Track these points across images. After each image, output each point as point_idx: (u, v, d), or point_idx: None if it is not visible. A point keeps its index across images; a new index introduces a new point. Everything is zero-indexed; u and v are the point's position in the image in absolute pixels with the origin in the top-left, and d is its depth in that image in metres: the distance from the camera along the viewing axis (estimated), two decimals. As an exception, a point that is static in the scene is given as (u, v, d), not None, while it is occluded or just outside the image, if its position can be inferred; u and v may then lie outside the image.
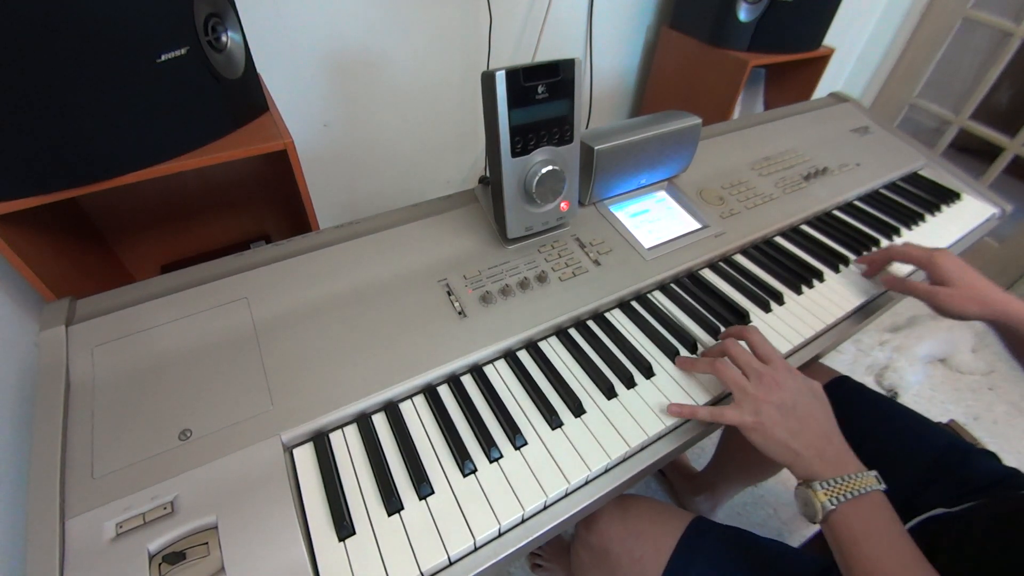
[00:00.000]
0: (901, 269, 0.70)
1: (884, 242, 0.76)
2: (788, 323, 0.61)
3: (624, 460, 0.48)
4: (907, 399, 1.39)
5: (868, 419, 0.65)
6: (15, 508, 0.51)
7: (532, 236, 0.63)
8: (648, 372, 0.53)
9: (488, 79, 0.50)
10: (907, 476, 0.59)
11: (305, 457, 0.44)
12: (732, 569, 0.52)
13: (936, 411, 1.37)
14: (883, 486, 0.42)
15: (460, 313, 0.55)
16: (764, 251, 0.71)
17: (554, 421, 0.48)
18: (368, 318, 0.53)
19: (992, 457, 0.60)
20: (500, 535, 0.42)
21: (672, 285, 0.64)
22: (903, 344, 1.48)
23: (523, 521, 0.43)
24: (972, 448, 0.61)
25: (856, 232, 0.76)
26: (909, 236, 0.78)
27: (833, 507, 0.41)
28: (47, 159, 0.54)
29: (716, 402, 0.52)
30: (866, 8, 1.75)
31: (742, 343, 0.52)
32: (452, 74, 1.23)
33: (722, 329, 0.59)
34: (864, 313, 0.66)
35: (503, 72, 0.48)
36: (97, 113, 0.54)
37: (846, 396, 0.69)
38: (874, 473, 0.43)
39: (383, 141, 1.25)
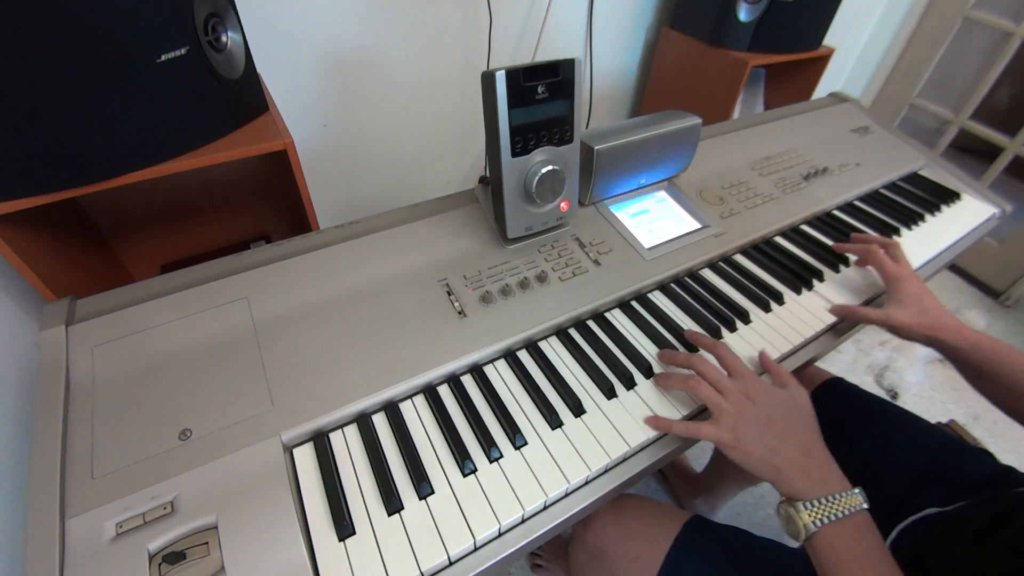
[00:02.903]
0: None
1: (884, 242, 0.76)
2: (788, 323, 0.61)
3: (624, 460, 0.48)
4: (907, 399, 1.39)
5: (862, 421, 0.65)
6: (15, 508, 0.51)
7: (532, 236, 0.63)
8: (648, 372, 0.53)
9: (488, 79, 0.50)
10: (901, 476, 0.59)
11: (305, 457, 0.44)
12: (728, 569, 0.52)
13: (936, 411, 1.37)
14: (867, 505, 0.42)
15: (460, 313, 0.55)
16: (764, 251, 0.71)
17: (554, 421, 0.48)
18: (368, 318, 0.53)
19: (987, 455, 0.60)
20: (500, 535, 0.42)
21: (672, 285, 0.64)
22: (903, 344, 1.48)
23: (523, 521, 0.43)
24: (967, 447, 0.61)
25: (856, 232, 0.76)
26: (909, 236, 0.78)
27: (816, 529, 0.40)
28: (47, 159, 0.54)
29: (699, 413, 0.51)
30: (866, 8, 1.75)
31: (711, 359, 0.51)
32: (452, 74, 1.23)
33: (722, 329, 0.59)
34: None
35: (503, 72, 0.48)
36: (97, 113, 0.54)
37: (840, 398, 0.69)
38: (858, 491, 0.42)
39: (383, 141, 1.25)
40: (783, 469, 0.43)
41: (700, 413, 0.51)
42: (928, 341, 0.57)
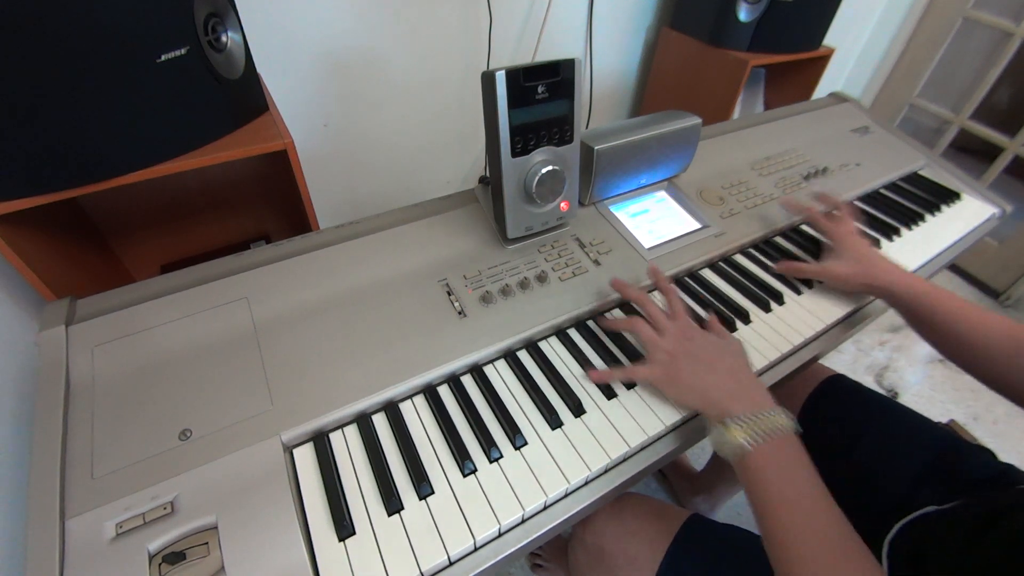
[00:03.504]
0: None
1: (884, 242, 0.76)
2: (789, 323, 0.61)
3: (624, 460, 0.48)
4: (907, 399, 1.39)
5: (863, 417, 0.65)
6: (15, 508, 0.51)
7: (532, 236, 0.63)
8: (648, 372, 0.53)
9: (488, 79, 0.50)
10: (902, 474, 0.59)
11: (305, 457, 0.44)
12: (727, 568, 0.52)
13: (936, 411, 1.37)
14: (795, 423, 0.43)
15: (460, 313, 0.55)
16: (764, 251, 0.71)
17: (554, 421, 0.48)
18: (368, 318, 0.53)
19: (987, 454, 0.59)
20: (500, 535, 0.42)
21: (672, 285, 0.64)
22: (903, 344, 1.48)
23: (523, 521, 0.43)
24: (967, 445, 0.61)
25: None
26: (909, 236, 0.78)
27: (751, 448, 0.41)
28: (47, 159, 0.54)
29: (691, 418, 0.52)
30: (866, 8, 1.75)
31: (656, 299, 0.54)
32: (452, 74, 1.23)
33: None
34: (864, 314, 0.66)
35: (503, 72, 0.48)
36: (97, 113, 0.54)
37: (841, 395, 0.69)
38: (783, 410, 0.44)
39: (383, 141, 1.25)
40: (710, 393, 0.46)
41: (692, 419, 0.51)
42: (867, 290, 0.60)
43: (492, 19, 1.17)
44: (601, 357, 0.54)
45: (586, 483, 0.46)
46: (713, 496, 1.02)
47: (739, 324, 0.60)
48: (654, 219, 0.69)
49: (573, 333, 0.57)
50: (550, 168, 0.55)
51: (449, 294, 0.56)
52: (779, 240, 0.74)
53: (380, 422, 0.48)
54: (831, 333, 0.63)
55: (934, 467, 0.58)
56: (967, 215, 0.84)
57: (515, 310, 0.56)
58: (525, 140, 0.53)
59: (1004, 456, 0.59)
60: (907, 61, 1.82)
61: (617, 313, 0.60)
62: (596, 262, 0.62)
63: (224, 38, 0.65)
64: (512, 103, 0.50)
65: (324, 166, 1.19)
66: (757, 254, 0.71)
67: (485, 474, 0.44)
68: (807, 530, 0.38)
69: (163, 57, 0.56)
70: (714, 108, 1.35)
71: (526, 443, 0.47)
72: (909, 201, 0.85)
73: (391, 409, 0.48)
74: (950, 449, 0.59)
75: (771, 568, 0.52)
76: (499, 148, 0.53)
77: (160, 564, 0.36)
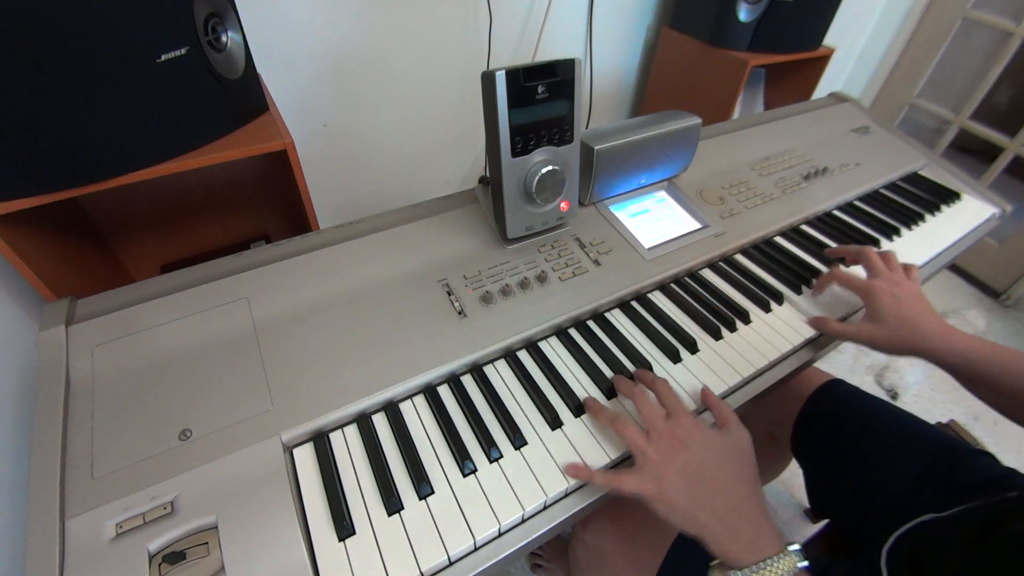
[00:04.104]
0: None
1: (884, 242, 0.76)
2: (789, 323, 0.61)
3: (624, 460, 0.47)
4: (907, 399, 1.39)
5: (861, 423, 0.65)
6: (15, 508, 0.51)
7: (532, 236, 0.63)
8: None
9: (488, 79, 0.50)
10: (901, 480, 0.58)
11: (305, 457, 0.44)
12: None
13: (936, 411, 1.37)
14: (805, 563, 0.38)
15: (460, 313, 0.55)
16: (764, 251, 0.71)
17: (554, 421, 0.48)
18: (368, 318, 0.53)
19: (988, 457, 0.59)
20: (500, 535, 0.42)
21: (672, 285, 0.64)
22: (903, 344, 1.48)
23: (523, 521, 0.43)
24: (967, 448, 0.60)
25: (856, 232, 0.76)
26: (909, 236, 0.78)
27: None
28: (47, 159, 0.54)
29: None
30: (866, 8, 1.75)
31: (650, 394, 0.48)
32: (452, 74, 1.23)
33: (723, 330, 0.59)
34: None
35: (503, 72, 0.48)
36: (97, 113, 0.54)
37: (839, 400, 0.69)
38: (795, 548, 0.39)
39: (383, 141, 1.25)
40: (710, 528, 0.40)
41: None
42: (911, 355, 0.54)
43: (492, 19, 1.17)
44: (601, 357, 0.54)
45: (586, 483, 0.46)
46: None
47: (739, 324, 0.60)
48: (654, 219, 0.69)
49: (573, 333, 0.57)
50: (550, 168, 0.55)
51: (449, 294, 0.56)
52: (779, 240, 0.74)
53: (380, 422, 0.48)
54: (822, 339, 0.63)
55: (932, 472, 0.58)
56: (967, 215, 0.84)
57: (515, 310, 0.56)
58: (525, 140, 0.53)
59: (1004, 456, 0.59)
60: (907, 61, 1.82)
61: (619, 314, 0.60)
62: (596, 262, 0.62)
63: (224, 38, 0.65)
64: (512, 103, 0.50)
65: (324, 166, 1.19)
66: (757, 254, 0.71)
67: (485, 474, 0.44)
68: None
69: (163, 57, 0.56)
70: (714, 108, 1.35)
71: (526, 443, 0.47)
72: (909, 201, 0.85)
73: (391, 409, 0.48)
74: (949, 453, 0.59)
75: None
76: (499, 148, 0.53)
77: (160, 564, 0.36)
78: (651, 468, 0.42)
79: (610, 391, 0.51)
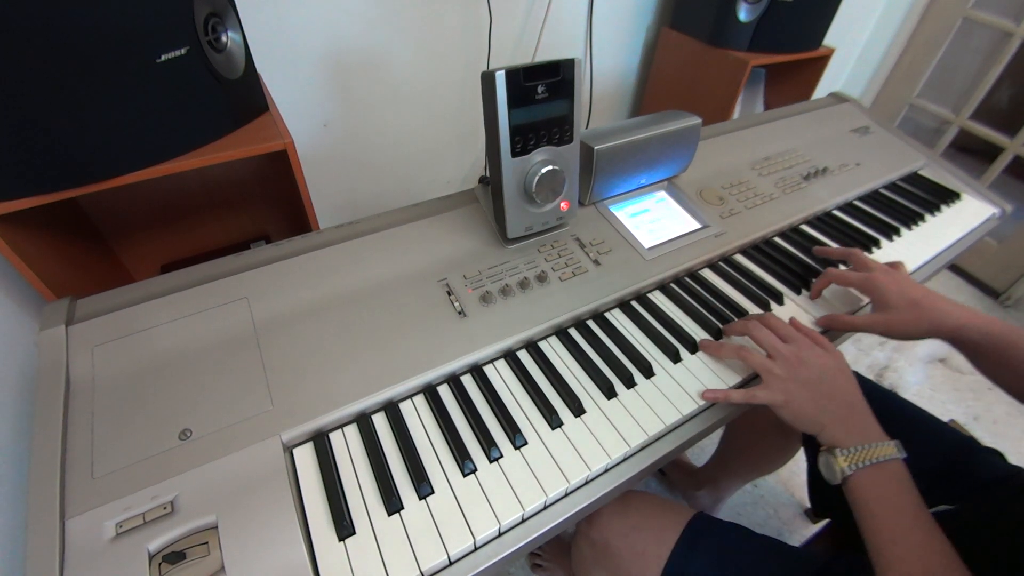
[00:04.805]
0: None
1: (884, 242, 0.76)
2: (788, 323, 0.61)
3: (624, 460, 0.48)
4: (907, 399, 1.38)
5: (877, 414, 0.65)
6: (15, 508, 0.51)
7: (532, 236, 0.63)
8: (648, 372, 0.53)
9: (488, 79, 0.50)
10: (915, 474, 0.59)
11: (305, 457, 0.44)
12: (733, 565, 0.52)
13: (936, 411, 1.35)
14: (903, 454, 0.44)
15: (460, 313, 0.55)
16: (764, 251, 0.71)
17: (554, 421, 0.48)
18: (368, 318, 0.53)
19: (998, 455, 0.60)
20: (500, 535, 0.42)
21: (672, 285, 0.64)
22: (903, 344, 1.48)
23: (523, 521, 0.43)
24: (978, 446, 0.61)
25: (856, 232, 0.76)
26: (909, 236, 0.78)
27: (851, 472, 0.44)
28: (47, 159, 0.54)
29: (740, 387, 0.53)
30: (866, 8, 1.75)
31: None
32: (452, 74, 1.23)
33: (722, 329, 0.59)
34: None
35: (503, 72, 0.48)
36: (97, 113, 0.54)
37: None
38: (895, 442, 0.45)
39: (383, 141, 1.25)
40: (827, 425, 0.47)
41: (693, 418, 0.51)
42: (932, 334, 0.54)
43: (492, 19, 1.17)
44: (601, 357, 0.54)
45: (586, 483, 0.46)
46: (718, 490, 1.02)
47: (739, 324, 0.60)
48: (654, 219, 0.69)
49: (573, 333, 0.57)
50: (550, 168, 0.55)
51: (449, 294, 0.56)
52: (779, 240, 0.74)
53: (380, 422, 0.48)
54: (831, 333, 0.63)
55: (946, 466, 0.58)
56: (967, 215, 0.84)
57: (515, 310, 0.56)
58: (525, 140, 0.53)
59: (1004, 456, 0.59)
60: (907, 61, 1.82)
61: (619, 314, 0.60)
62: (596, 262, 0.62)
63: (224, 38, 0.65)
64: (512, 103, 0.50)
65: (324, 166, 1.19)
66: (757, 254, 0.71)
67: (485, 474, 0.44)
68: (916, 566, 0.39)
69: (163, 57, 0.56)
70: (714, 108, 1.35)
71: (526, 443, 0.47)
72: (909, 201, 0.85)
73: (391, 409, 0.48)
74: (961, 450, 0.60)
75: (775, 567, 0.53)
76: (499, 148, 0.53)
77: (160, 564, 0.36)
78: (778, 383, 0.49)
79: (610, 391, 0.51)
